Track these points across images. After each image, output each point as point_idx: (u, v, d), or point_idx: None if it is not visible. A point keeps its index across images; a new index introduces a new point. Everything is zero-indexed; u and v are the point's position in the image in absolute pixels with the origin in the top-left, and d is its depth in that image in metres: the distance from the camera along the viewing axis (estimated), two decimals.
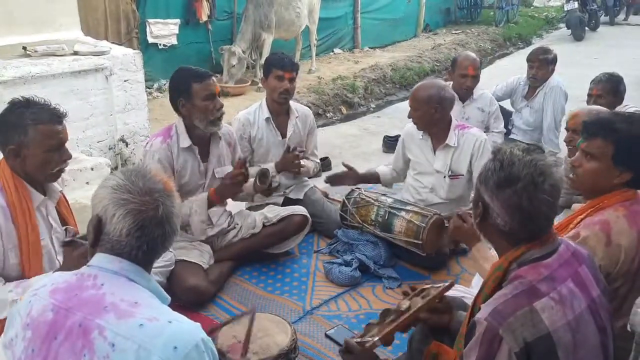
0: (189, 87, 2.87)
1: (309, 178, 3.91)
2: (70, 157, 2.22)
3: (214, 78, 2.97)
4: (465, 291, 2.47)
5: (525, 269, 1.53)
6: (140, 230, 1.36)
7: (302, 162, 3.54)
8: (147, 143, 3.00)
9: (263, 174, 3.14)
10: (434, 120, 3.27)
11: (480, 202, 1.62)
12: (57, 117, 2.15)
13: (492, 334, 1.43)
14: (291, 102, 3.67)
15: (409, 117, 3.35)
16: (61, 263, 2.24)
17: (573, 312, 1.49)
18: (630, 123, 2.02)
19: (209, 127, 2.96)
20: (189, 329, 1.33)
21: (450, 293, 2.34)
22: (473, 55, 4.47)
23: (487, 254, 2.28)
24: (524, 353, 1.42)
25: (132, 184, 1.38)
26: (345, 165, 3.64)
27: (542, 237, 1.57)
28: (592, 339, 1.52)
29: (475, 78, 4.24)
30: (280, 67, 3.46)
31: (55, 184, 2.27)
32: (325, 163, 4.78)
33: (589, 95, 3.87)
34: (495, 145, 1.69)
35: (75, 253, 2.02)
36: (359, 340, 1.72)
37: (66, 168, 2.23)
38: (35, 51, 4.34)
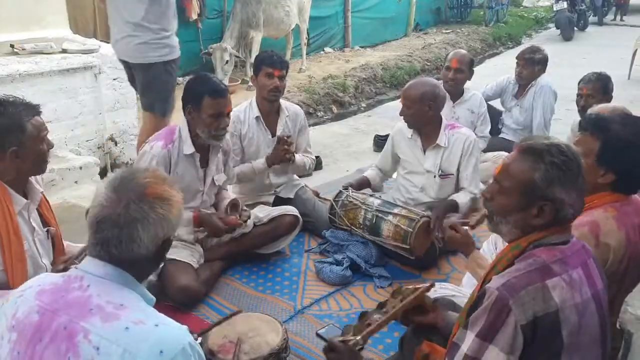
0: (200, 98, 2.82)
1: (305, 175, 3.86)
2: (52, 145, 2.23)
3: (229, 96, 2.91)
4: (456, 290, 2.48)
5: (541, 250, 1.55)
6: (95, 226, 1.35)
7: (296, 156, 3.54)
8: (146, 144, 2.94)
9: (234, 205, 3.13)
10: (427, 118, 3.27)
11: (547, 203, 1.54)
12: (38, 109, 2.14)
13: (502, 304, 1.44)
14: (282, 101, 3.65)
15: (400, 114, 3.35)
16: (47, 265, 2.21)
17: (581, 296, 1.52)
18: (623, 125, 2.01)
19: (210, 140, 2.93)
20: (175, 332, 1.31)
21: (440, 292, 2.36)
22: (463, 51, 4.48)
23: (484, 262, 2.29)
24: (530, 328, 1.44)
25: (114, 179, 1.39)
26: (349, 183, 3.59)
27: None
28: (593, 327, 1.55)
29: (459, 72, 4.18)
30: (269, 65, 3.45)
31: (35, 184, 2.23)
32: (316, 162, 4.77)
33: (579, 94, 3.88)
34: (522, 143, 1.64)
35: None
36: (341, 339, 1.77)
37: (55, 167, 2.22)
38: (23, 49, 4.30)
